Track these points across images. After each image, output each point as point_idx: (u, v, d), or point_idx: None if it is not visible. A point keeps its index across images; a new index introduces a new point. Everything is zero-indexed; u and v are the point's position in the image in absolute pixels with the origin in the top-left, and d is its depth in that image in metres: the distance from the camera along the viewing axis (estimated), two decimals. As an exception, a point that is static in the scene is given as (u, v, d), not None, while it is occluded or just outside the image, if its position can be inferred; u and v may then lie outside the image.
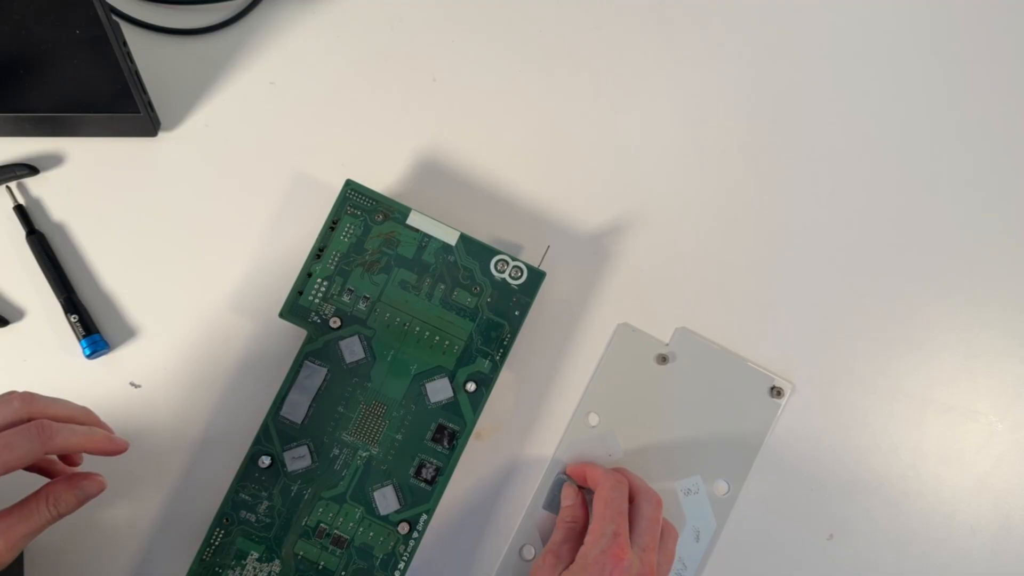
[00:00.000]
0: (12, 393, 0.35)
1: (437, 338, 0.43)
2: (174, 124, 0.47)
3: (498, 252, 0.43)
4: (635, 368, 0.46)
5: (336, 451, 0.42)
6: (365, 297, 0.43)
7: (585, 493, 0.44)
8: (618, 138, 0.48)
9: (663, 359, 0.46)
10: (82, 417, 0.38)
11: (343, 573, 0.41)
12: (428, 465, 0.42)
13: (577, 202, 0.47)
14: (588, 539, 0.39)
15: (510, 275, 0.43)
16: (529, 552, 0.44)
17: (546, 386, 0.46)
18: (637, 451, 0.45)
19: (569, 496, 0.44)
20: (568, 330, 0.46)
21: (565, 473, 0.45)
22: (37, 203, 0.46)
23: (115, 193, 0.46)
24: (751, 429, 0.45)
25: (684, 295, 0.47)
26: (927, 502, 0.46)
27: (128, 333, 0.45)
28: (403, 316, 0.43)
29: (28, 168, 0.46)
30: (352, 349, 0.43)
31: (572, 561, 0.39)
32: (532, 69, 0.49)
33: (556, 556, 0.40)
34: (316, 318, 0.43)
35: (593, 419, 0.45)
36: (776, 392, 0.45)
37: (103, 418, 0.45)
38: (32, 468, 0.38)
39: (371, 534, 0.42)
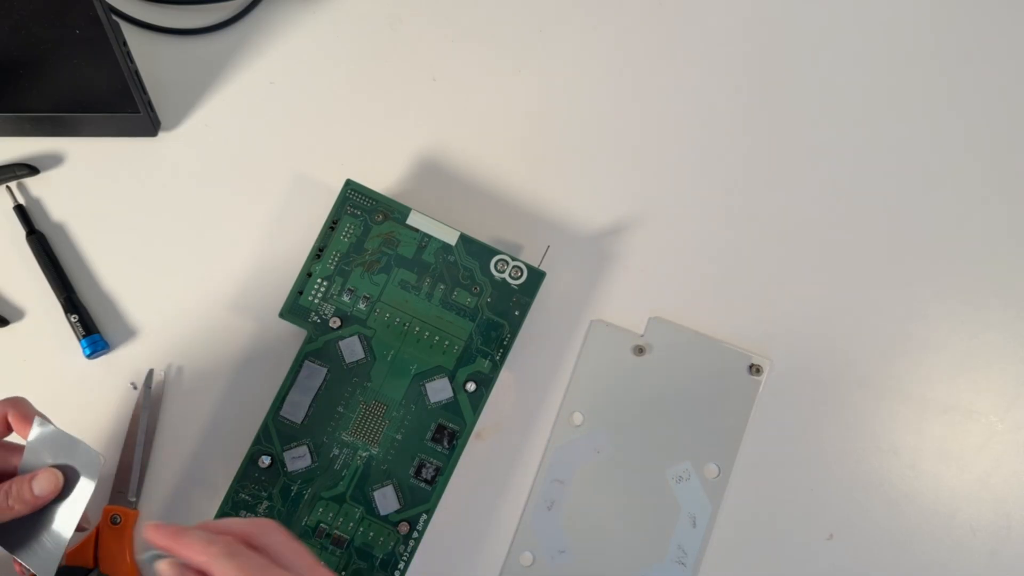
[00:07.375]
0: None
1: (437, 338, 0.43)
2: (174, 124, 0.47)
3: (498, 252, 0.43)
4: (613, 363, 0.46)
5: (336, 451, 0.42)
6: (365, 297, 0.43)
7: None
8: (619, 137, 0.48)
9: (640, 350, 0.46)
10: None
11: (343, 573, 0.41)
12: (428, 465, 0.42)
13: (577, 202, 0.47)
14: None
15: (510, 275, 0.43)
16: (527, 559, 0.44)
17: (546, 386, 0.46)
18: (624, 444, 0.45)
19: None
20: (568, 330, 0.46)
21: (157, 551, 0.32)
22: (37, 203, 0.46)
23: (115, 193, 0.46)
24: (734, 408, 0.45)
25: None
26: (927, 502, 0.46)
27: (128, 333, 0.45)
28: (403, 316, 0.43)
29: (28, 168, 0.46)
30: (352, 349, 0.43)
31: None
32: (532, 69, 0.49)
33: None
34: (316, 318, 0.43)
35: (577, 418, 0.45)
36: (755, 369, 0.45)
37: (102, 418, 0.45)
38: None
39: (371, 534, 0.42)
